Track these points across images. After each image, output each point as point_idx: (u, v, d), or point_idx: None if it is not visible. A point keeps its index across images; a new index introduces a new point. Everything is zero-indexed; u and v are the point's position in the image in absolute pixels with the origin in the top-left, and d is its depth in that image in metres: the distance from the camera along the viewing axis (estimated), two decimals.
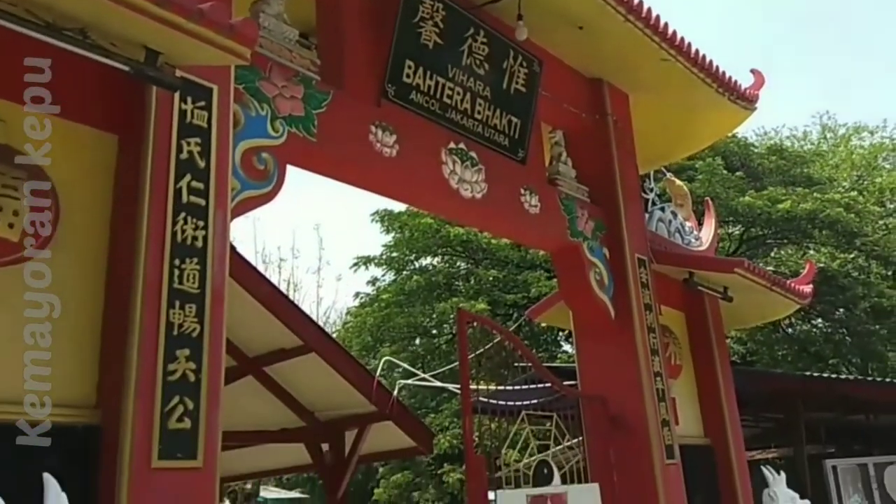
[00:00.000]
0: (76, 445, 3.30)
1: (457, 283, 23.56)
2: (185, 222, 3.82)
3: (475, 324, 6.44)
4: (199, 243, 3.85)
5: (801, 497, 7.17)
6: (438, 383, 9.61)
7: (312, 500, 45.68)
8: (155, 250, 3.67)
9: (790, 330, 27.88)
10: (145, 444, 3.30)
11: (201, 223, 3.88)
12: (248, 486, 15.49)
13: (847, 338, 23.21)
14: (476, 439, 5.96)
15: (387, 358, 9.61)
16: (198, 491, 3.47)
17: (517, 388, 8.49)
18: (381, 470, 29.31)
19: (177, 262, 3.73)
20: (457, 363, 6.62)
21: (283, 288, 18.79)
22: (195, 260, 3.80)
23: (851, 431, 13.25)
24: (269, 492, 39.83)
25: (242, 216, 4.66)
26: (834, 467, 9.53)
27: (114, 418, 3.31)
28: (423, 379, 9.76)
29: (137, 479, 3.24)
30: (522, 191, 6.84)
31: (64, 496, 2.44)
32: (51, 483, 2.45)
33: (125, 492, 3.18)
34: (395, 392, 8.81)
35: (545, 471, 6.24)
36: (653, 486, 6.78)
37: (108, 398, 3.40)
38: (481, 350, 6.49)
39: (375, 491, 29.27)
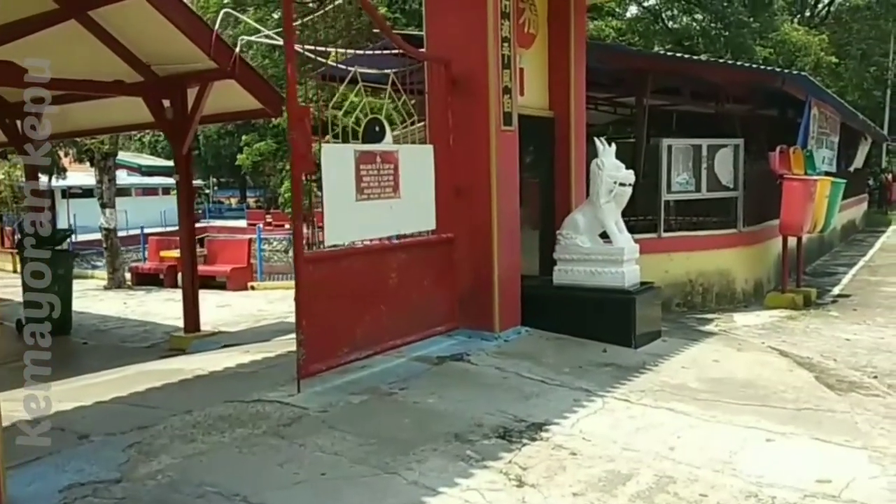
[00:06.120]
0: None
1: None
2: None
3: None
4: None
5: (627, 168, 7.48)
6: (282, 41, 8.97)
7: (197, 162, 45.98)
8: None
9: (671, 23, 28.09)
10: None
11: None
12: (106, 146, 14.92)
13: (723, 32, 23.61)
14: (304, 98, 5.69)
15: (226, 10, 8.77)
16: None
17: (362, 53, 8.15)
18: (244, 138, 29.59)
19: None
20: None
21: None
22: None
23: (700, 125, 13.88)
24: (143, 159, 39.53)
25: None
26: (669, 146, 9.97)
27: None
28: (269, 37, 9.09)
29: None
30: None
31: None
32: None
33: None
34: (238, 49, 8.24)
35: (377, 128, 6.15)
36: (486, 151, 6.89)
37: None
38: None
39: (239, 157, 29.84)
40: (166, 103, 8.81)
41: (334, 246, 5.76)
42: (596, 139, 7.46)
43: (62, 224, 27.37)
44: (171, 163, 44.86)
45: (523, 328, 7.40)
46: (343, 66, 6.35)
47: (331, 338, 5.67)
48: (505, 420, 5.02)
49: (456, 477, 4.09)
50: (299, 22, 6.59)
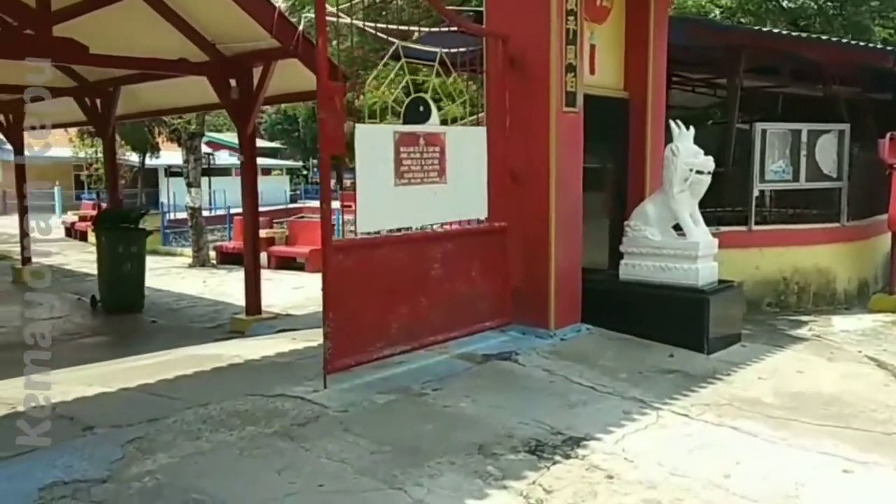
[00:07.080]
0: None
1: None
2: None
3: None
4: None
5: (714, 154, 6.76)
6: (347, 19, 8.66)
7: (290, 149, 47.01)
8: None
9: (785, 2, 26.17)
10: None
11: None
12: (192, 126, 15.17)
13: (841, 12, 21.82)
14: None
15: None
16: None
17: (426, 31, 7.75)
18: None
19: None
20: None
21: None
22: None
23: (806, 108, 12.66)
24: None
25: None
26: (763, 131, 9.02)
27: None
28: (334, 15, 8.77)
29: None
30: None
31: None
32: None
33: None
34: (301, 27, 7.98)
35: (420, 108, 5.73)
36: (545, 134, 6.35)
37: None
38: None
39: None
40: (233, 83, 8.68)
41: (369, 233, 5.40)
42: (671, 122, 6.77)
43: (163, 201, 28.44)
44: (271, 144, 45.82)
45: (584, 326, 6.85)
46: (420, 47, 5.96)
47: (362, 331, 5.31)
48: (539, 431, 4.54)
49: (468, 498, 3.66)
50: None
